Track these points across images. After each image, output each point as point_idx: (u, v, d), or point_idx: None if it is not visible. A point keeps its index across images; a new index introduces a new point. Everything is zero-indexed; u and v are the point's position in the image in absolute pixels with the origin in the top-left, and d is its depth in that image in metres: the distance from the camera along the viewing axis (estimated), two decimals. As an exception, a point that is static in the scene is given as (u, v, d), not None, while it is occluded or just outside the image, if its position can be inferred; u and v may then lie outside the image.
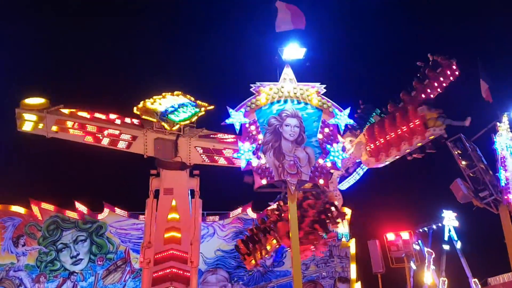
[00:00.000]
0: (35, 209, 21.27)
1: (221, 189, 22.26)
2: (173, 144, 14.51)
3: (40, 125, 14.32)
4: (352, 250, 23.76)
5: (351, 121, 12.53)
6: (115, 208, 22.04)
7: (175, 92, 15.45)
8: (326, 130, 12.05)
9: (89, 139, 14.65)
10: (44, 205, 21.45)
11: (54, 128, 14.43)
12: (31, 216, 21.22)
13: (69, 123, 14.50)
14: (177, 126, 14.48)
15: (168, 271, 14.26)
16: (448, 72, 14.19)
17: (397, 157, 13.93)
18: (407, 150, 13.66)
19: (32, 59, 25.24)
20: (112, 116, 15.21)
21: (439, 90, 14.12)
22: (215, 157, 15.05)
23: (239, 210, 23.27)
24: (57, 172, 24.51)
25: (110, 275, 21.60)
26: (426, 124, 12.98)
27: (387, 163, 14.31)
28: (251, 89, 12.34)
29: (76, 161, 22.05)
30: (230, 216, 23.30)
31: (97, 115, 15.08)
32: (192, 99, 15.37)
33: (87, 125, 14.58)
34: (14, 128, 14.56)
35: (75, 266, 21.36)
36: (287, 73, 12.55)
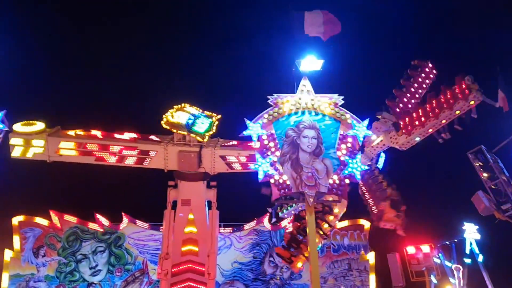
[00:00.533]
0: (55, 219, 21.61)
1: (238, 200, 22.26)
2: (198, 155, 14.51)
3: (40, 150, 13.54)
4: (372, 263, 23.40)
5: (370, 133, 12.48)
6: (136, 220, 22.22)
7: (183, 104, 15.32)
8: (344, 141, 12.00)
9: (103, 158, 14.01)
10: (67, 217, 21.78)
11: (59, 151, 13.64)
12: (51, 227, 21.54)
13: (70, 144, 13.75)
14: (206, 138, 14.49)
15: (185, 284, 14.26)
16: (427, 70, 14.48)
17: (431, 130, 13.67)
18: (443, 121, 13.46)
19: (33, 77, 25.54)
20: (127, 135, 14.62)
21: (423, 86, 14.40)
22: (237, 164, 15.03)
23: (254, 222, 23.21)
24: (77, 185, 24.86)
25: (128, 286, 21.72)
26: (470, 89, 12.99)
27: (418, 140, 13.98)
28: (269, 101, 12.40)
29: (94, 173, 22.33)
30: (245, 228, 23.23)
31: (116, 135, 14.41)
32: (200, 109, 15.30)
33: (96, 145, 13.95)
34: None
35: (93, 277, 21.55)
36: (305, 84, 12.57)
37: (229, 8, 26.94)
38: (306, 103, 12.27)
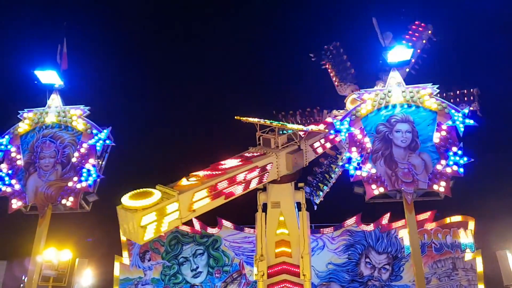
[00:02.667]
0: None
1: (328, 201, 21.92)
2: (300, 150, 14.37)
3: (175, 216, 10.04)
4: (479, 262, 21.63)
5: (471, 122, 11.54)
6: (223, 220, 22.95)
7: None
8: (443, 133, 11.23)
9: (232, 193, 11.74)
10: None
11: (193, 205, 10.60)
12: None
13: (203, 192, 10.82)
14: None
15: (282, 286, 14.34)
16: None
17: None
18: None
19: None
20: (231, 161, 12.41)
21: None
22: (320, 148, 14.76)
23: (350, 221, 22.67)
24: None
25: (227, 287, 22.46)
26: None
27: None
28: (355, 97, 12.06)
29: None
30: (341, 229, 22.80)
31: (226, 163, 12.08)
32: None
33: (225, 181, 11.37)
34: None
35: (195, 279, 22.59)
36: (394, 76, 12.05)
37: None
38: (397, 96, 11.73)
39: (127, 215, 9.08)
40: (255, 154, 12.99)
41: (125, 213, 9.15)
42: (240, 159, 12.33)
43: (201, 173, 11.15)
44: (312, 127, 14.58)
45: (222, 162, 11.96)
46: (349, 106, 16.50)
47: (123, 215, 9.25)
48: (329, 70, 18.49)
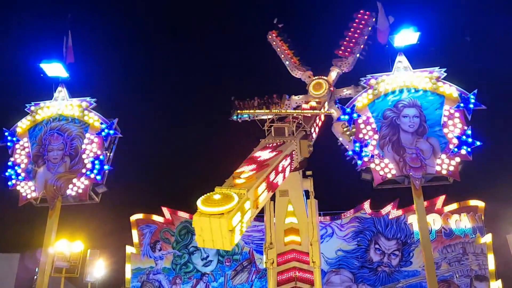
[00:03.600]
0: (167, 215, 23.18)
1: (336, 188, 21.86)
2: (309, 135, 14.22)
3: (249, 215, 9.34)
4: (490, 245, 21.53)
5: (480, 105, 11.37)
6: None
7: None
8: (451, 117, 11.10)
9: (276, 184, 11.21)
10: (180, 214, 23.25)
11: (258, 201, 10.01)
12: (165, 223, 23.19)
13: (263, 186, 10.23)
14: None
15: (291, 273, 14.39)
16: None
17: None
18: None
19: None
20: (263, 152, 11.76)
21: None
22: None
23: (359, 208, 22.65)
24: (182, 182, 26.49)
25: (237, 276, 22.61)
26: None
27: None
28: (362, 83, 11.94)
29: (199, 170, 23.57)
30: (346, 216, 22.75)
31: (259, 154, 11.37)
32: None
33: (273, 172, 10.76)
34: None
35: (206, 268, 22.78)
36: (401, 60, 11.92)
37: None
38: (404, 81, 11.62)
39: (212, 222, 8.54)
40: (274, 144, 12.54)
41: (208, 220, 8.56)
42: (270, 150, 11.97)
43: (245, 168, 10.66)
44: (312, 111, 14.52)
45: (256, 155, 11.52)
46: (311, 91, 16.55)
47: (206, 223, 8.62)
48: (286, 51, 18.39)
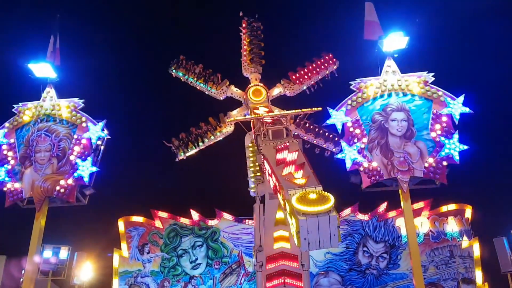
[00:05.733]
0: (155, 217, 23.09)
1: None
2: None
3: None
4: (476, 250, 21.78)
5: (467, 109, 11.52)
6: (223, 213, 22.99)
7: None
8: (438, 121, 11.23)
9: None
10: (161, 214, 23.17)
11: None
12: (153, 225, 23.06)
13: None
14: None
15: (281, 276, 14.41)
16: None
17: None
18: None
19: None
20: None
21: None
22: None
23: (347, 211, 22.74)
24: (173, 182, 26.37)
25: (226, 278, 22.53)
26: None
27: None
28: (351, 86, 12.01)
29: (191, 171, 23.47)
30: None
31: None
32: None
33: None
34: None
35: (194, 271, 22.67)
36: (389, 65, 12.02)
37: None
38: (393, 85, 11.74)
39: (321, 220, 8.20)
40: (283, 145, 12.21)
41: (315, 220, 8.21)
42: (285, 151, 11.67)
43: (286, 170, 10.57)
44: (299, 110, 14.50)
45: (279, 158, 11.34)
46: (251, 96, 16.75)
47: (314, 223, 8.24)
48: (245, 43, 18.16)
